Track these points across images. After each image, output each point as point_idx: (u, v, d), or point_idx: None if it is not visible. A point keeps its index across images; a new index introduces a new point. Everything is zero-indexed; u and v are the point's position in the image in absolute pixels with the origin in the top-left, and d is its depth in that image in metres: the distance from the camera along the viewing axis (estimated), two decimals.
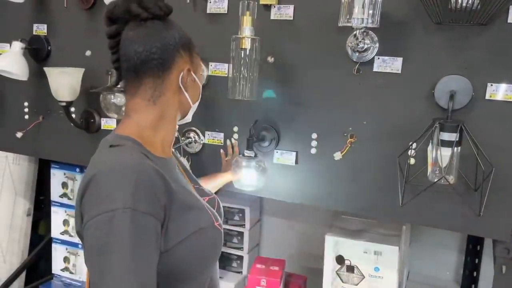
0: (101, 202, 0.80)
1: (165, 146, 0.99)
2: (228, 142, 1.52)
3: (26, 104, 1.86)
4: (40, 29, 1.78)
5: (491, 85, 1.16)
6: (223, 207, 2.01)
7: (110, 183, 0.82)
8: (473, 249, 1.83)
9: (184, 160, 1.49)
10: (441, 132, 1.09)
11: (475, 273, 1.83)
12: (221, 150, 1.52)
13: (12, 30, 1.83)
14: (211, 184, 1.38)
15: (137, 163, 0.84)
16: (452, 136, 1.07)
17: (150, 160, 0.88)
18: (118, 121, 1.68)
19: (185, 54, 0.97)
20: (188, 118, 1.08)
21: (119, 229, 0.77)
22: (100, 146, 0.94)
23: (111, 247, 0.77)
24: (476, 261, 1.82)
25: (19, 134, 1.86)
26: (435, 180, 1.11)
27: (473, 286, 1.84)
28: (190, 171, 1.17)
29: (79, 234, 0.87)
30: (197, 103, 1.06)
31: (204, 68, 1.48)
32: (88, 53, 1.67)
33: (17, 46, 1.68)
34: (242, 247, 2.09)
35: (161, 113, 0.96)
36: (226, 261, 2.13)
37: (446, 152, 1.08)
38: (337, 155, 1.34)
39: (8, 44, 1.75)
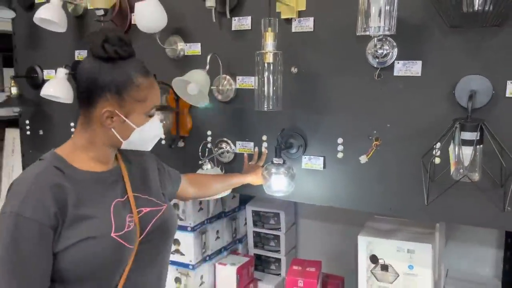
0: (3, 205, 1.00)
1: (97, 163, 1.13)
2: (256, 149, 1.59)
3: (72, 124, 2.01)
4: (82, 55, 1.92)
5: (511, 82, 1.17)
6: (259, 212, 2.11)
7: (13, 190, 1.02)
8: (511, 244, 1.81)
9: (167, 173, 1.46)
10: (462, 132, 1.11)
11: None
12: (245, 154, 1.59)
13: (56, 57, 1.98)
14: (227, 182, 1.50)
15: (35, 176, 1.02)
16: (473, 135, 1.09)
17: (62, 172, 1.04)
18: None
19: (112, 98, 1.06)
20: (144, 147, 1.18)
21: (2, 229, 0.97)
22: None
23: None
24: None
25: None
26: (458, 179, 1.14)
27: None
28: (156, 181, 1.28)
29: None
30: (139, 138, 1.12)
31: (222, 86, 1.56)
32: None
33: (62, 72, 1.81)
34: (279, 250, 2.16)
35: (90, 139, 1.11)
36: (264, 264, 2.20)
37: (467, 151, 1.10)
38: (363, 158, 1.39)
39: (54, 71, 1.90)
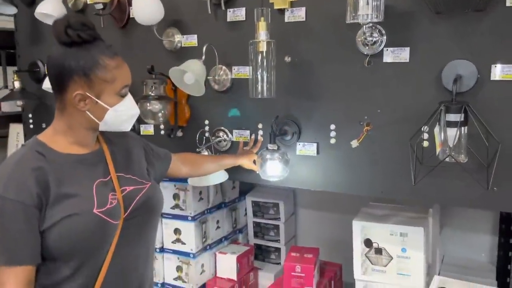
0: None
1: (78, 146, 1.17)
2: (252, 136, 1.63)
3: None
4: None
5: (495, 66, 1.21)
6: (258, 202, 2.15)
7: None
8: (506, 230, 1.85)
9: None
10: (446, 114, 1.15)
11: (510, 253, 1.84)
12: (241, 140, 1.64)
13: None
14: (220, 163, 1.56)
15: (17, 161, 1.09)
16: (457, 117, 1.13)
17: (43, 156, 1.10)
18: (154, 126, 1.83)
19: (81, 81, 1.09)
20: (122, 127, 1.20)
21: None
22: None
23: None
24: (510, 241, 1.83)
25: None
26: (442, 159, 1.18)
27: (509, 266, 1.85)
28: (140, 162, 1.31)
29: None
30: (111, 119, 1.15)
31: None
32: None
33: None
34: (279, 240, 2.20)
35: (68, 123, 1.15)
36: (264, 253, 2.24)
37: (452, 132, 1.14)
38: (354, 143, 1.43)
39: None
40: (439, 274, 1.74)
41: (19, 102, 2.05)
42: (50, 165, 1.10)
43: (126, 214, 1.17)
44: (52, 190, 1.08)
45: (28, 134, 2.24)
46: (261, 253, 2.25)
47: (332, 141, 1.48)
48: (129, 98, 1.18)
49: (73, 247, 1.09)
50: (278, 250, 2.22)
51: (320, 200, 2.21)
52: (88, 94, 1.11)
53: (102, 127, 1.17)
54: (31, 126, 2.20)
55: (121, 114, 1.17)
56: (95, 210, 1.11)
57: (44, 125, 2.15)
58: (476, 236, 1.93)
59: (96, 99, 1.12)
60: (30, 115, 2.19)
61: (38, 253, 1.08)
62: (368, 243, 1.62)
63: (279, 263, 2.21)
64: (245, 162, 1.56)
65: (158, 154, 1.42)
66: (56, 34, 1.09)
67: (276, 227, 2.20)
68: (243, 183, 2.23)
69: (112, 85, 1.13)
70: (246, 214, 2.28)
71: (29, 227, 1.05)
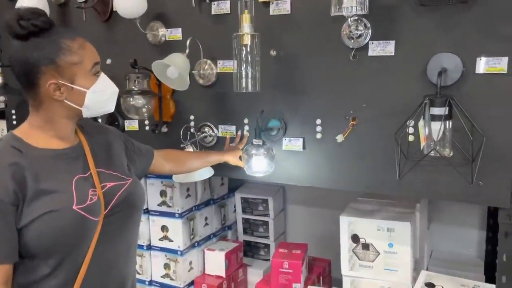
0: None
1: (57, 140, 1.14)
2: (239, 132, 1.61)
3: None
4: None
5: (480, 59, 1.20)
6: (247, 198, 2.13)
7: None
8: (494, 224, 1.84)
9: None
10: (431, 108, 1.14)
11: (498, 248, 1.84)
12: (227, 136, 1.62)
13: None
14: (205, 159, 1.54)
15: None
16: (441, 111, 1.12)
17: (19, 151, 1.07)
18: (139, 122, 1.81)
19: (49, 69, 1.06)
20: (106, 108, 1.18)
21: None
22: None
23: None
24: (498, 235, 1.83)
25: None
26: (426, 153, 1.17)
27: (497, 260, 1.85)
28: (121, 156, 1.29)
29: None
30: (92, 104, 1.13)
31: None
32: (108, 61, 1.80)
33: None
34: (268, 236, 2.19)
35: (46, 118, 1.12)
36: (253, 250, 2.23)
37: (436, 126, 1.13)
38: (339, 138, 1.41)
39: None
40: (427, 269, 1.74)
41: (1, 98, 2.01)
42: (27, 161, 1.07)
43: (107, 210, 1.15)
44: (29, 186, 1.05)
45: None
46: (251, 250, 2.24)
47: (318, 136, 1.46)
48: (104, 76, 1.15)
49: (52, 245, 1.07)
50: (267, 246, 2.21)
51: (310, 196, 2.20)
52: (61, 81, 1.07)
53: (86, 112, 1.14)
54: (14, 122, 2.16)
55: (101, 94, 1.14)
56: (74, 207, 1.08)
57: None
58: (464, 231, 1.93)
59: (71, 85, 1.09)
60: (13, 111, 2.16)
61: (16, 251, 1.05)
62: (355, 238, 1.61)
63: (268, 260, 2.20)
64: (231, 158, 1.54)
65: (139, 149, 1.40)
66: (10, 29, 1.05)
67: (266, 223, 2.18)
68: (232, 180, 2.21)
69: (81, 66, 1.10)
70: (235, 210, 2.27)
71: (5, 224, 1.03)
